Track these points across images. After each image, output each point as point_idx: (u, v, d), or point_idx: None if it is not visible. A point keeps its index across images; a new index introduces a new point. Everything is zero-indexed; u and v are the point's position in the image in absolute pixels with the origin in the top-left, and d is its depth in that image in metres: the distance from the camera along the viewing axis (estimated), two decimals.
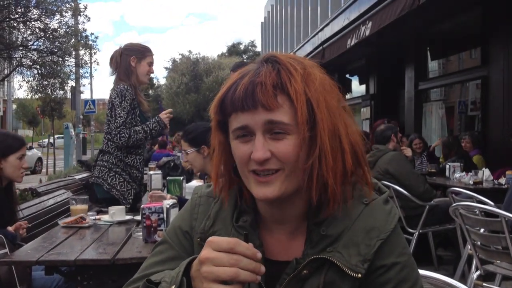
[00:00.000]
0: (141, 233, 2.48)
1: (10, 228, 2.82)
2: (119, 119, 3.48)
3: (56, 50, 15.19)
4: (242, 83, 0.96)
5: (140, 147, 3.72)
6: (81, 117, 20.72)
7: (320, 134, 0.95)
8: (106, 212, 3.20)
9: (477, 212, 3.38)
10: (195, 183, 3.43)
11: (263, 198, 0.98)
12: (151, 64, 3.74)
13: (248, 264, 0.86)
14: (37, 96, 17.49)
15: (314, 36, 13.35)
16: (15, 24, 14.42)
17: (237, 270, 0.85)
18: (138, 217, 2.80)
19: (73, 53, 15.92)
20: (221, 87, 1.04)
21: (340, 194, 0.98)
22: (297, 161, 0.96)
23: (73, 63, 16.29)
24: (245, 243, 0.88)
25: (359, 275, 0.96)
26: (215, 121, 1.04)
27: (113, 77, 3.70)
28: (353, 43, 8.04)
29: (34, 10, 14.54)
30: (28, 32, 14.81)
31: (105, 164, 3.61)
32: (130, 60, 3.63)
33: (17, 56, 15.28)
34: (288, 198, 1.00)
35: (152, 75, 3.97)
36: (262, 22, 33.30)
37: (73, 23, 15.77)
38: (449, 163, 6.09)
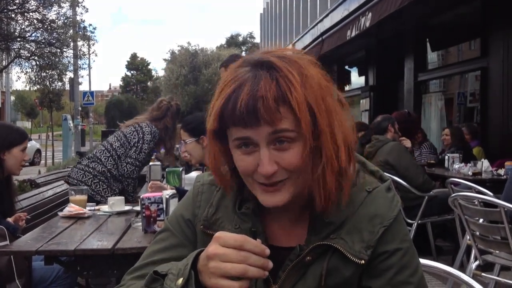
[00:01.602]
0: (140, 223, 2.48)
1: (9, 220, 2.83)
2: (142, 154, 3.80)
3: (54, 41, 15.09)
4: (241, 97, 0.90)
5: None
6: (80, 108, 20.70)
7: (325, 141, 0.93)
8: (105, 203, 3.21)
9: (476, 203, 3.38)
10: (194, 174, 3.43)
11: (272, 206, 0.98)
12: None
13: (256, 260, 0.85)
14: (35, 87, 17.44)
15: (313, 27, 13.28)
16: (12, 15, 14.31)
17: (245, 266, 0.84)
18: (138, 208, 2.81)
19: (71, 44, 15.83)
20: (216, 86, 0.98)
21: (335, 194, 0.97)
22: (304, 168, 0.95)
23: (71, 55, 16.19)
24: (253, 240, 0.87)
25: (363, 262, 0.96)
26: (211, 131, 0.98)
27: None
28: (353, 34, 8.00)
29: (32, 1, 14.42)
30: (26, 23, 14.70)
31: (91, 171, 3.73)
32: (176, 125, 3.92)
33: (15, 47, 15.17)
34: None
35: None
36: (261, 13, 33.20)
37: (71, 14, 15.68)
38: (448, 154, 6.09)
